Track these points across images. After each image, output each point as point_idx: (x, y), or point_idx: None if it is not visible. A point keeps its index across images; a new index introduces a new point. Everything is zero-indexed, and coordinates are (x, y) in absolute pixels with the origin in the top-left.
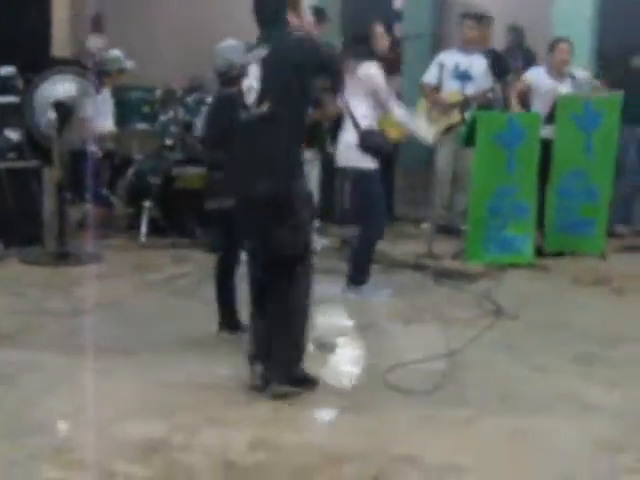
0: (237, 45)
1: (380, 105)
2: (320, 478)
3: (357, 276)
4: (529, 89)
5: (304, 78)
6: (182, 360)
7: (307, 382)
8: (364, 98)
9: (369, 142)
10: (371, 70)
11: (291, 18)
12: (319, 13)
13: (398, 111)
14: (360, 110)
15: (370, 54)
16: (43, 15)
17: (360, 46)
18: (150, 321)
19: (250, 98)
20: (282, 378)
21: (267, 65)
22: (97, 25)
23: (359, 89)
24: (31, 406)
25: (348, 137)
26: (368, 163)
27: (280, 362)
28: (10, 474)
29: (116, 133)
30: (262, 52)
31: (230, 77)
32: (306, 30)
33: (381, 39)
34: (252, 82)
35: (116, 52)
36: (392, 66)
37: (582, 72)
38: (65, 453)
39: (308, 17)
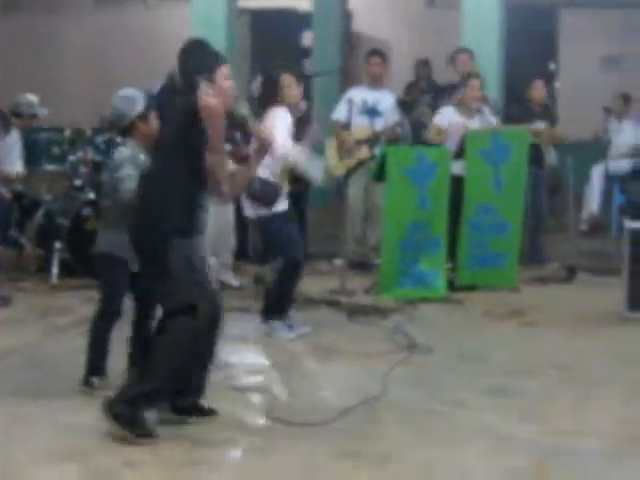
0: (133, 96)
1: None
2: None
3: (268, 312)
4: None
5: (183, 136)
6: (93, 403)
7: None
8: None
9: (258, 194)
10: (270, 117)
11: (204, 84)
12: None
13: (291, 151)
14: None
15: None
16: None
17: (268, 96)
18: (60, 365)
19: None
20: (124, 400)
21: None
22: None
23: None
24: None
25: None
26: (278, 206)
27: (132, 387)
28: None
29: (25, 174)
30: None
31: (120, 127)
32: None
33: (292, 89)
34: None
35: (31, 97)
36: (306, 117)
37: (487, 107)
38: None
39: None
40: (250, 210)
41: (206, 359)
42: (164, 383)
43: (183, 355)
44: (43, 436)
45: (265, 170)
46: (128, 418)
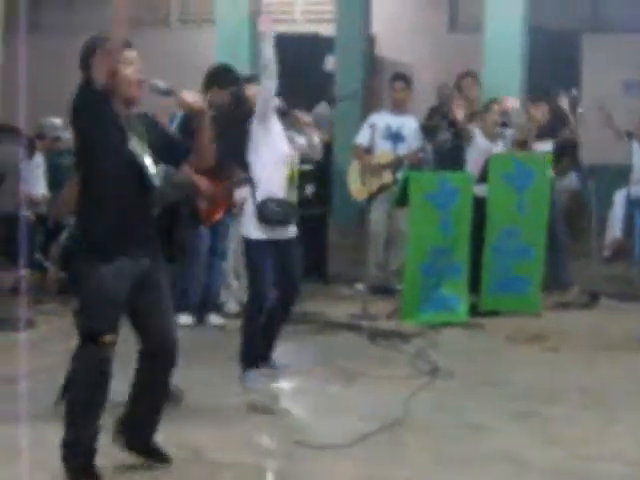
0: None
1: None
2: None
3: (243, 358)
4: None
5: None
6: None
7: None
8: (255, 145)
9: (265, 214)
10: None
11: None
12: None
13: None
14: (259, 169)
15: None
16: None
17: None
18: None
19: None
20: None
21: None
22: None
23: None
24: None
25: (248, 205)
26: (252, 232)
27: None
28: None
29: (49, 197)
30: None
31: None
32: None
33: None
34: None
35: (55, 120)
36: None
37: (509, 130)
38: None
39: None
40: (242, 229)
41: (155, 398)
42: (71, 421)
43: (83, 387)
44: None
45: (272, 186)
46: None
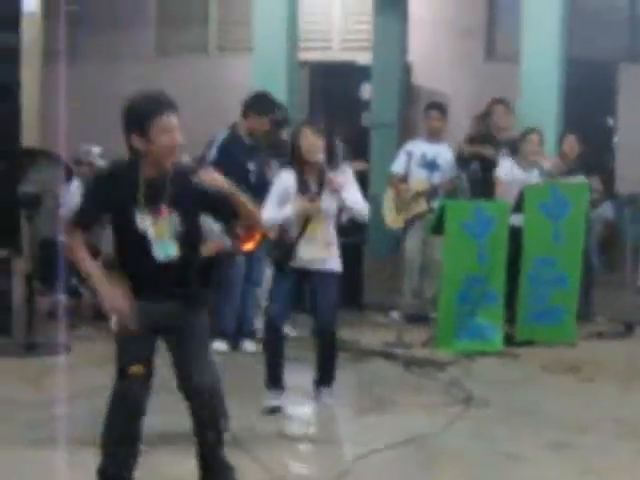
0: None
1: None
2: None
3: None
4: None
5: None
6: (158, 451)
7: None
8: None
9: None
10: None
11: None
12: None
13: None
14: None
15: None
16: (10, 103)
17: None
18: None
19: None
20: None
21: None
22: None
23: None
24: None
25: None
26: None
27: None
28: None
29: None
30: None
31: None
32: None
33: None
34: None
35: (92, 148)
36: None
37: (548, 162)
38: None
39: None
40: None
41: (206, 437)
42: (105, 451)
43: (114, 419)
44: None
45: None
46: None
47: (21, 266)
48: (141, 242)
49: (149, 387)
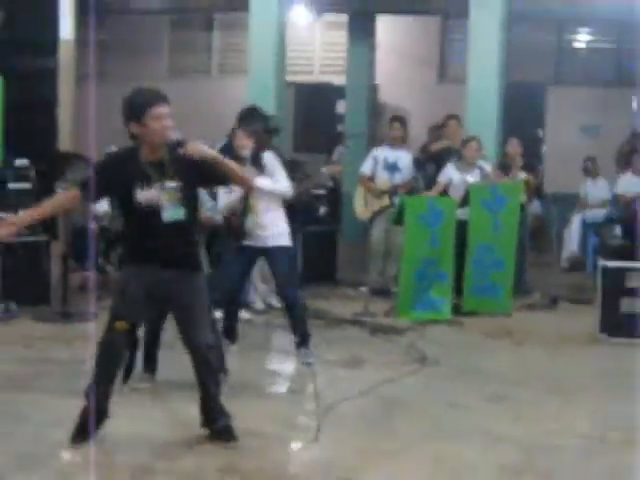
0: None
1: None
2: None
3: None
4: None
5: None
6: (172, 397)
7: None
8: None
9: None
10: None
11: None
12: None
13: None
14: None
15: None
16: (50, 116)
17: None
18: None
19: None
20: None
21: None
22: None
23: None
24: (41, 439)
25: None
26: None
27: None
28: None
29: (110, 213)
30: None
31: None
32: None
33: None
34: None
35: (114, 148)
36: None
37: (486, 164)
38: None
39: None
40: None
41: (207, 387)
42: (91, 390)
43: (98, 361)
44: (124, 426)
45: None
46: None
47: (58, 248)
48: (145, 211)
49: (130, 341)
